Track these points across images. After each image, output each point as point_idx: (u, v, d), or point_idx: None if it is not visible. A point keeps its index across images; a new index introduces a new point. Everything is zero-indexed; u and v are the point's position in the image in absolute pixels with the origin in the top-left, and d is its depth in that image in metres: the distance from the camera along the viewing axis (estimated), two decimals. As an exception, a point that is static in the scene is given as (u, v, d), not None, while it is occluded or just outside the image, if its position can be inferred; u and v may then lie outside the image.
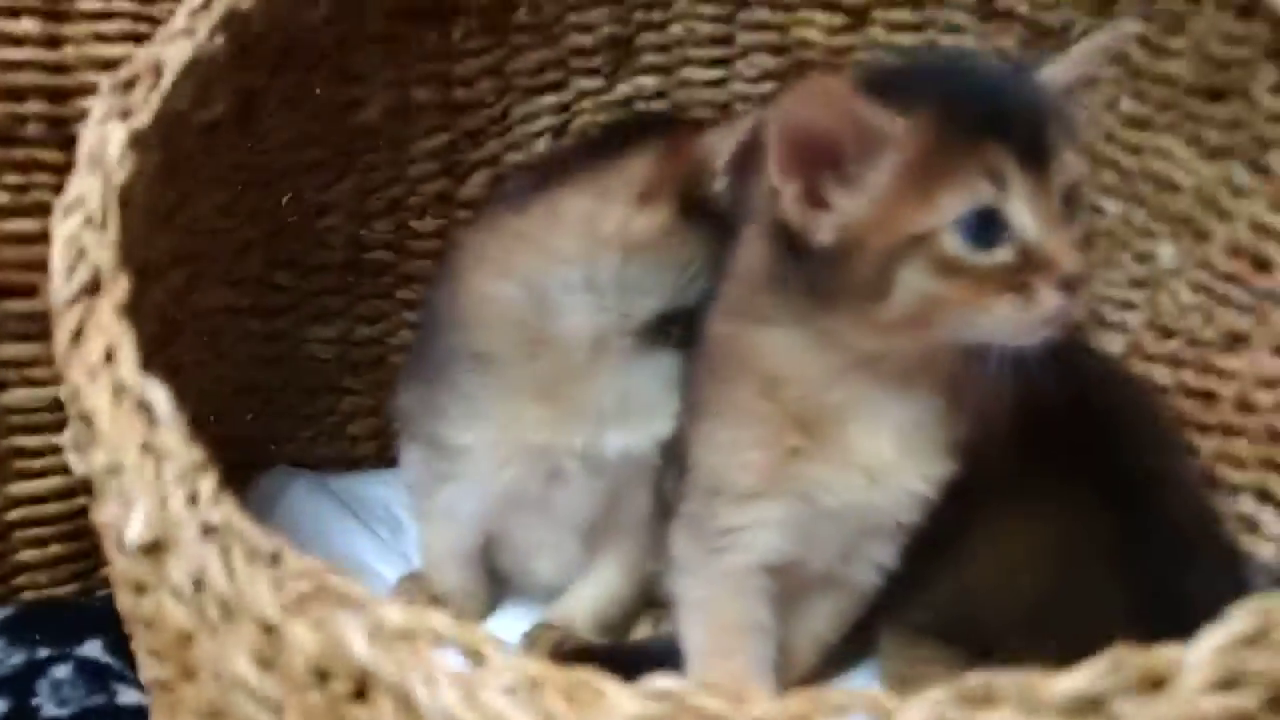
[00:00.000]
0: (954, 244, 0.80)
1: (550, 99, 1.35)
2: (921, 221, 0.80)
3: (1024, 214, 0.81)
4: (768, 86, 1.38)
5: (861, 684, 1.07)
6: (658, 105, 1.38)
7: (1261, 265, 1.11)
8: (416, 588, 1.17)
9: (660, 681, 0.64)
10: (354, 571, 1.14)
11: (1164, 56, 1.16)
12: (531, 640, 1.10)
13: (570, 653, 1.05)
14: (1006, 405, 0.91)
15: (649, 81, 1.37)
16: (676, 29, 1.36)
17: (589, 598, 1.13)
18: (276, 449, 1.32)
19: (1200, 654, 0.66)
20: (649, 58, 1.36)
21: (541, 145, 1.35)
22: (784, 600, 0.99)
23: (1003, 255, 0.81)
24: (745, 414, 0.91)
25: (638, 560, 1.12)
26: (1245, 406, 1.13)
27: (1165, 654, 0.66)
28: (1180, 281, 1.20)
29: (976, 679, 0.64)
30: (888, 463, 0.91)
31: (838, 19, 1.33)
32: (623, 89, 1.36)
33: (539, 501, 1.08)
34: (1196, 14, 1.11)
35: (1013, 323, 0.81)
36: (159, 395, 0.77)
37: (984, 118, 0.82)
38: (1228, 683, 0.65)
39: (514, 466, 1.06)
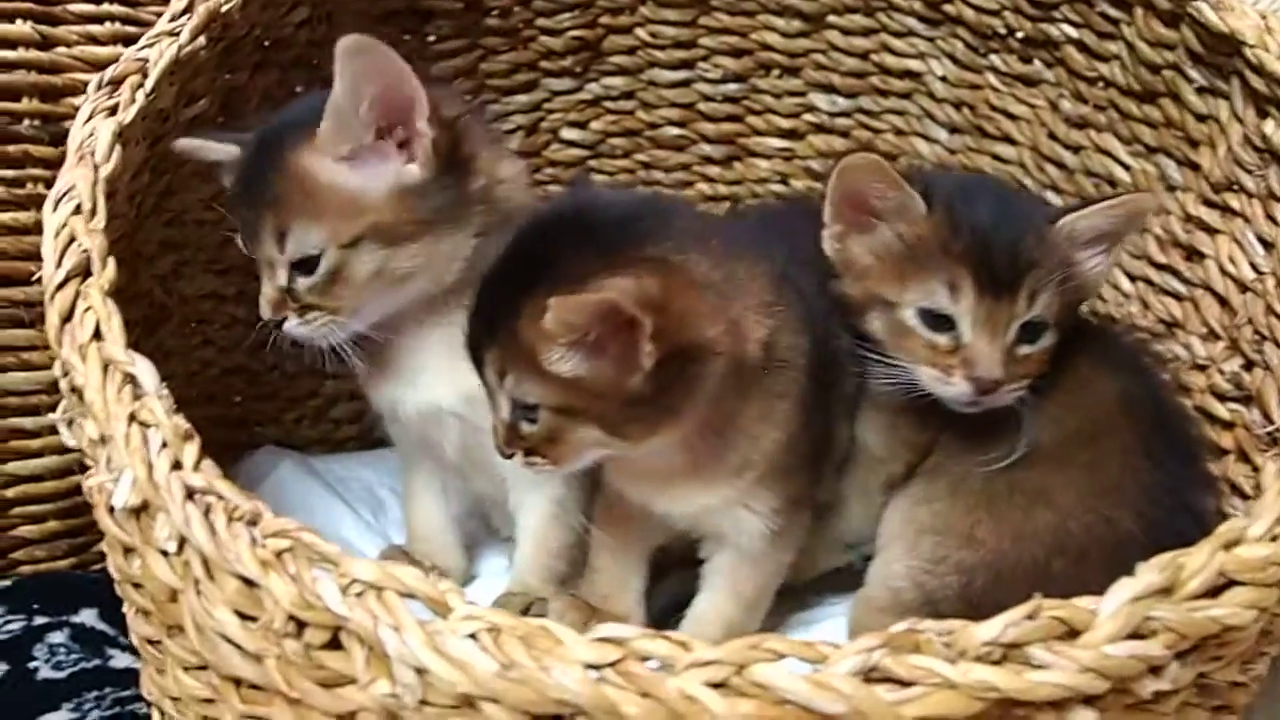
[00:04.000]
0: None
1: (522, 99, 1.41)
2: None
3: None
4: (731, 87, 1.44)
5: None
6: (626, 105, 1.45)
7: (1193, 255, 1.17)
8: (398, 554, 1.23)
9: (611, 628, 0.70)
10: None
11: (1100, 60, 1.23)
12: (500, 608, 1.15)
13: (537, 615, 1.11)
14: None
15: (617, 82, 1.44)
16: (642, 33, 1.42)
17: (528, 556, 1.18)
18: (263, 430, 1.37)
19: (1112, 605, 0.71)
20: (616, 60, 1.42)
21: (515, 143, 1.41)
22: (703, 553, 1.08)
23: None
24: None
25: (551, 511, 1.16)
26: (1180, 389, 1.18)
27: (1080, 605, 0.71)
28: (1120, 271, 1.25)
29: (904, 627, 0.70)
30: (664, 487, 1.01)
31: (795, 24, 1.39)
32: (592, 89, 1.43)
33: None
34: (1128, 21, 1.17)
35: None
36: (145, 369, 0.82)
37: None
38: (1137, 633, 0.71)
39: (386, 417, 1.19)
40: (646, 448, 0.93)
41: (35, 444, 1.27)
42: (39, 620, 1.19)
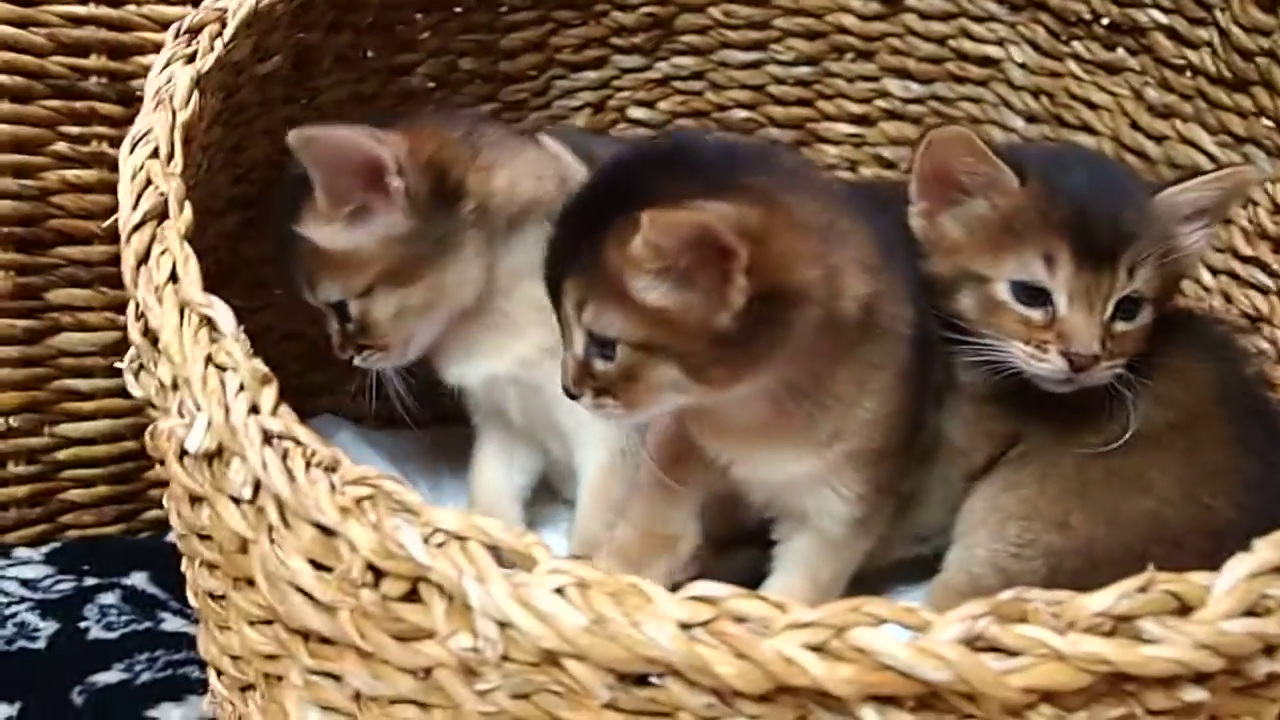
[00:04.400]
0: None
1: (591, 75, 1.39)
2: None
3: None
4: (803, 70, 1.42)
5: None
6: (695, 85, 1.43)
7: (1280, 248, 1.15)
8: None
9: (704, 586, 0.67)
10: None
11: (1189, 47, 1.20)
12: None
13: None
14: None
15: (687, 62, 1.42)
16: (715, 12, 1.40)
17: (588, 509, 1.18)
18: (319, 400, 1.35)
19: (1228, 581, 0.68)
20: (688, 39, 1.41)
21: (581, 119, 1.40)
22: (778, 535, 1.06)
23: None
24: None
25: (611, 463, 1.16)
26: (1266, 383, 1.15)
27: (1194, 580, 0.68)
28: (1201, 265, 1.22)
29: (1011, 596, 0.67)
30: (752, 451, 0.98)
31: (872, 6, 1.38)
32: (661, 68, 1.41)
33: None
34: (1223, 6, 1.14)
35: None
36: (222, 312, 0.80)
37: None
38: (1252, 610, 0.68)
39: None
40: (727, 396, 0.90)
41: (88, 406, 1.25)
42: (89, 581, 1.18)
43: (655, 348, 0.86)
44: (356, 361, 1.14)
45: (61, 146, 1.18)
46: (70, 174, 1.19)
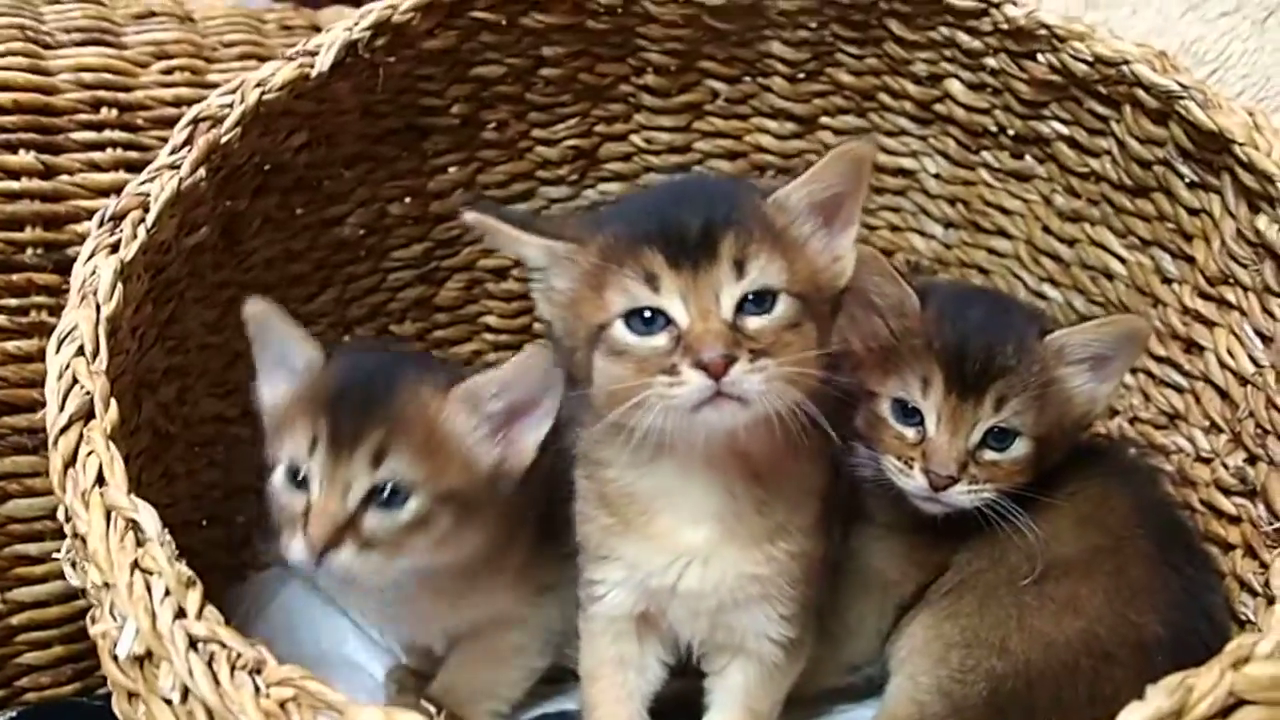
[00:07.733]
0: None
1: (519, 206, 1.41)
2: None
3: None
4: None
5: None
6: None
7: (1191, 348, 1.18)
8: (405, 674, 1.24)
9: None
10: (343, 668, 1.21)
11: (1091, 156, 1.24)
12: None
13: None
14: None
15: (613, 188, 1.44)
16: (637, 139, 1.43)
17: None
18: (269, 549, 1.36)
19: (1123, 731, 0.71)
20: (612, 166, 1.43)
21: (512, 250, 1.42)
22: (710, 668, 1.07)
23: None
24: (582, 493, 1.04)
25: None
26: (1185, 482, 1.18)
27: (1091, 732, 0.71)
28: (1108, 403, 1.23)
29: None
30: (704, 549, 0.98)
31: (788, 126, 1.41)
32: (589, 195, 1.44)
33: None
34: (1117, 118, 1.18)
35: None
36: (148, 516, 0.82)
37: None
38: (1148, 757, 0.70)
39: None
40: (795, 395, 0.89)
41: (39, 570, 1.25)
42: (50, 753, 1.17)
43: (806, 298, 0.91)
44: None
45: (1, 320, 1.20)
46: (11, 345, 1.20)
